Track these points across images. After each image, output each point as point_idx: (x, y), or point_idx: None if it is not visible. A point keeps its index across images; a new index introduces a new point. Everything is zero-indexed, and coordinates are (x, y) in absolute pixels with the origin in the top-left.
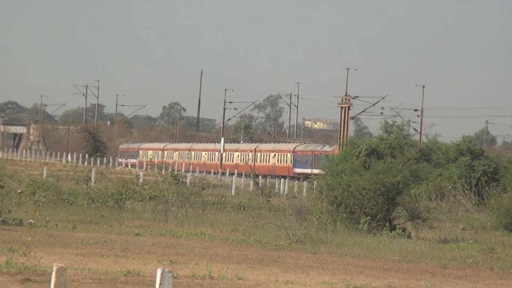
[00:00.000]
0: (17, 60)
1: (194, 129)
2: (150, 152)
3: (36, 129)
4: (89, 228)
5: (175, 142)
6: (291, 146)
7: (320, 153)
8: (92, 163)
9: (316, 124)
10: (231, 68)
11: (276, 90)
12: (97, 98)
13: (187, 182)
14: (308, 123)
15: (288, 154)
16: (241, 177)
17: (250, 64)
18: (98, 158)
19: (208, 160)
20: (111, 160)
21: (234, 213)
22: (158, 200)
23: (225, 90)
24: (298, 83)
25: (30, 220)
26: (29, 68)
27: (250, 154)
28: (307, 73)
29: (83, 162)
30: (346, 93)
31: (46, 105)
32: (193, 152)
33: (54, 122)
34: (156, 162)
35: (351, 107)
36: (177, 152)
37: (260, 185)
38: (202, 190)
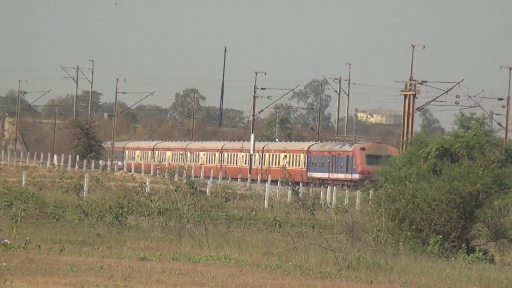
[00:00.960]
0: None
1: (216, 123)
2: (137, 152)
3: (12, 124)
4: (81, 251)
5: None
6: (305, 145)
7: (339, 154)
8: (84, 167)
9: (373, 117)
10: (263, 45)
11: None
12: (91, 83)
13: (207, 191)
14: (362, 116)
15: (301, 155)
16: (276, 184)
17: (287, 40)
18: (93, 161)
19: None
20: (109, 163)
21: (268, 231)
22: (170, 215)
23: (256, 73)
24: (350, 64)
25: (5, 240)
26: (3, 45)
27: (257, 154)
28: (360, 52)
29: (73, 166)
30: (411, 77)
31: (25, 93)
32: (200, 153)
33: (36, 114)
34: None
35: (417, 95)
36: (170, 152)
37: (300, 195)
38: (226, 201)
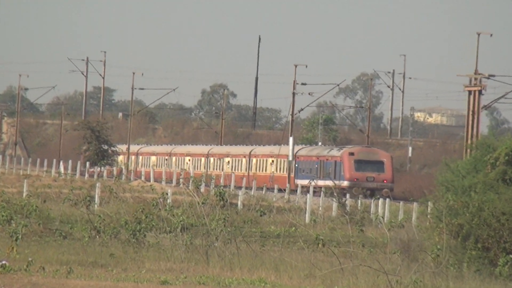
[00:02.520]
0: None
1: (249, 124)
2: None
3: (11, 125)
4: (91, 273)
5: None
6: (294, 149)
7: (327, 159)
8: (96, 176)
9: (431, 116)
10: (303, 34)
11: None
12: (103, 78)
13: (239, 203)
14: (419, 116)
15: (285, 160)
16: (319, 196)
17: (330, 28)
18: (105, 168)
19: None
20: (124, 170)
21: (309, 250)
22: (195, 231)
23: (295, 66)
24: (404, 55)
25: (4, 262)
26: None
27: (244, 160)
28: (417, 41)
29: (82, 174)
30: (476, 71)
31: (26, 89)
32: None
33: (39, 114)
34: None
35: (483, 91)
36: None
37: (347, 208)
38: (261, 215)
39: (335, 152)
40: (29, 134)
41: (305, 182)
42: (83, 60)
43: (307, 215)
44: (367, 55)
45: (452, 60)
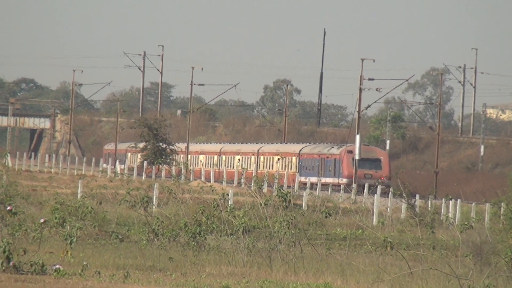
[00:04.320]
0: (37, 16)
1: (314, 122)
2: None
3: (65, 123)
4: (149, 278)
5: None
6: (297, 147)
7: (327, 157)
8: (153, 176)
9: (505, 113)
10: (369, 27)
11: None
12: (161, 73)
13: (303, 204)
14: (491, 112)
15: (293, 158)
16: (387, 197)
17: (398, 20)
18: (163, 168)
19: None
20: (183, 170)
21: (377, 253)
22: (258, 234)
23: (362, 60)
24: (476, 49)
25: (58, 266)
26: (54, 28)
27: (253, 157)
28: (489, 33)
29: (139, 174)
30: None
31: (80, 85)
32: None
33: (94, 111)
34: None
35: None
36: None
37: (417, 209)
38: (326, 217)
39: (335, 150)
40: (84, 132)
41: (307, 179)
42: (140, 54)
43: (374, 216)
44: (437, 49)
45: None
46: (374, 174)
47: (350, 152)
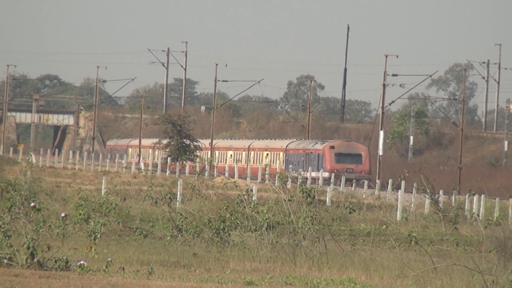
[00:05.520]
0: (61, 13)
1: (337, 118)
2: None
3: (89, 119)
4: (174, 274)
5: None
6: (284, 143)
7: (312, 152)
8: (177, 172)
9: None
10: (393, 23)
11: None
12: (185, 69)
13: (327, 200)
14: None
15: (281, 153)
16: (411, 192)
17: (421, 16)
18: (187, 164)
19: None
20: (207, 166)
21: (401, 249)
22: (282, 230)
23: (386, 56)
24: (500, 45)
25: (82, 262)
26: (79, 25)
27: (244, 153)
28: None
29: (163, 170)
30: None
31: (104, 81)
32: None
33: (118, 107)
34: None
35: None
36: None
37: (440, 204)
38: (350, 213)
39: (318, 145)
40: (108, 129)
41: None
42: (164, 51)
43: (398, 212)
44: (460, 44)
45: None
46: (354, 168)
47: (333, 147)
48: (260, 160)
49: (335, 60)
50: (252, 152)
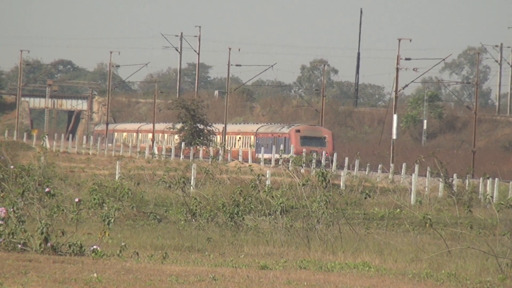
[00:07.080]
0: None
1: (351, 102)
2: (125, 134)
3: (102, 104)
4: (188, 258)
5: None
6: (254, 127)
7: (279, 136)
8: (192, 157)
9: None
10: (406, 6)
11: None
12: (198, 54)
13: (341, 184)
14: None
15: (252, 137)
16: (425, 176)
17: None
18: (201, 148)
19: None
20: (221, 151)
21: (415, 232)
22: (296, 214)
23: (399, 40)
24: None
25: (96, 247)
26: (92, 10)
27: (218, 137)
28: None
29: (177, 155)
30: None
31: (118, 66)
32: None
33: (131, 92)
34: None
35: None
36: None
37: (454, 188)
38: (365, 198)
39: (285, 129)
40: (121, 114)
41: (265, 156)
42: (177, 35)
43: (412, 196)
44: (473, 28)
45: None
46: (318, 151)
47: (298, 131)
48: (233, 144)
49: (348, 44)
50: (227, 136)
